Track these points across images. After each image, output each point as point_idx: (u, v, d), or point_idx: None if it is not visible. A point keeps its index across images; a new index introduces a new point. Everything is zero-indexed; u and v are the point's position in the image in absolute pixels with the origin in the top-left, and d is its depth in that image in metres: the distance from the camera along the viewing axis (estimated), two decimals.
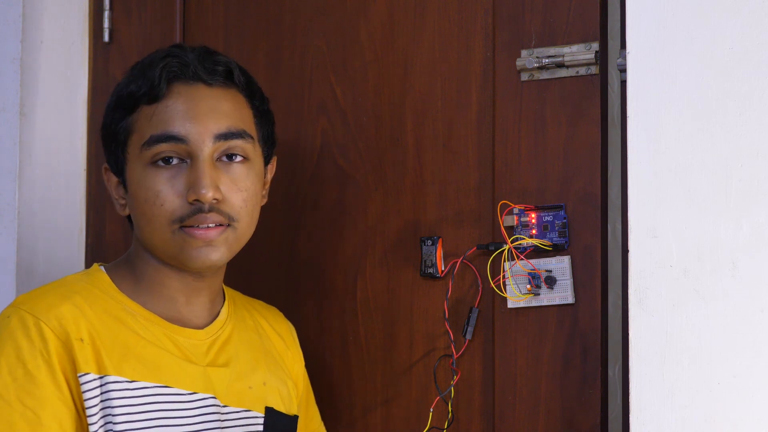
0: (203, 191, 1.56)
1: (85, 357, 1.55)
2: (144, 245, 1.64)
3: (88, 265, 2.08)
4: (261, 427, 1.68)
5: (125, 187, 1.63)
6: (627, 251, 1.53)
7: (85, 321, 1.56)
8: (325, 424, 1.86)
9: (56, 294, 1.59)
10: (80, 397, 1.54)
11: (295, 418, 1.73)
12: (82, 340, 1.55)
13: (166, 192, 1.58)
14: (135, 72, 1.63)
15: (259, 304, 1.81)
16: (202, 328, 1.67)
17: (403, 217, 1.84)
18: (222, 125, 1.60)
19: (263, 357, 1.73)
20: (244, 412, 1.67)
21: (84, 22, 2.10)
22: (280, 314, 1.83)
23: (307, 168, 1.91)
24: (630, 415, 1.51)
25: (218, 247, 1.60)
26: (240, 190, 1.61)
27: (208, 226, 1.58)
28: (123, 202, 1.64)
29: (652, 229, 1.52)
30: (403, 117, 1.85)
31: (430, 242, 1.80)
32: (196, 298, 1.67)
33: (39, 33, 2.05)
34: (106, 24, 2.09)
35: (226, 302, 1.72)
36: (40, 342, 1.53)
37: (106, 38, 2.09)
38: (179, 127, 1.58)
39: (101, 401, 1.55)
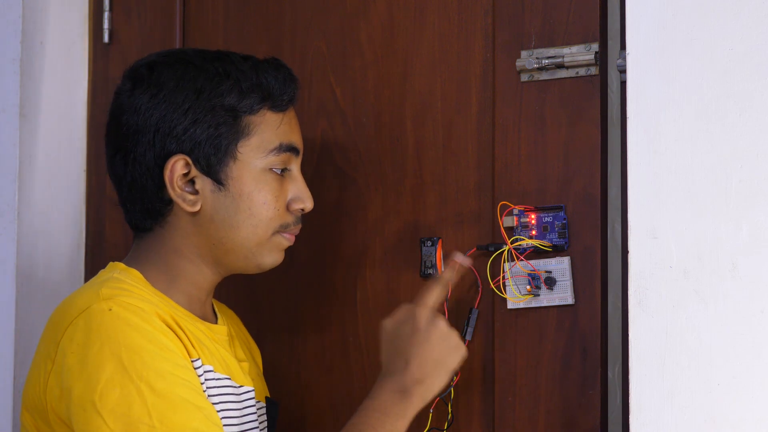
0: (310, 204, 1.68)
1: (185, 343, 1.54)
2: (219, 243, 1.62)
3: (87, 265, 2.07)
4: (265, 416, 1.72)
5: (221, 183, 1.61)
6: (627, 252, 1.53)
7: (167, 309, 1.55)
8: (325, 425, 1.86)
9: (125, 289, 1.55)
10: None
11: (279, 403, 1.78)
12: (179, 327, 1.55)
13: (281, 198, 1.64)
14: (240, 75, 1.63)
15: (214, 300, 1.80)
16: (215, 324, 1.69)
17: (402, 217, 1.84)
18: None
19: (247, 349, 1.78)
20: (259, 403, 1.72)
21: (84, 23, 2.10)
22: (229, 309, 1.84)
23: (307, 169, 1.91)
24: (630, 416, 1.51)
25: None
26: None
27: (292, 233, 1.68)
28: (193, 197, 1.61)
29: (652, 229, 1.52)
30: (403, 117, 1.85)
31: (429, 243, 1.80)
32: (209, 296, 1.69)
33: (39, 33, 2.05)
34: (106, 25, 2.09)
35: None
36: (158, 323, 1.51)
37: (106, 39, 2.09)
38: (298, 141, 1.68)
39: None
